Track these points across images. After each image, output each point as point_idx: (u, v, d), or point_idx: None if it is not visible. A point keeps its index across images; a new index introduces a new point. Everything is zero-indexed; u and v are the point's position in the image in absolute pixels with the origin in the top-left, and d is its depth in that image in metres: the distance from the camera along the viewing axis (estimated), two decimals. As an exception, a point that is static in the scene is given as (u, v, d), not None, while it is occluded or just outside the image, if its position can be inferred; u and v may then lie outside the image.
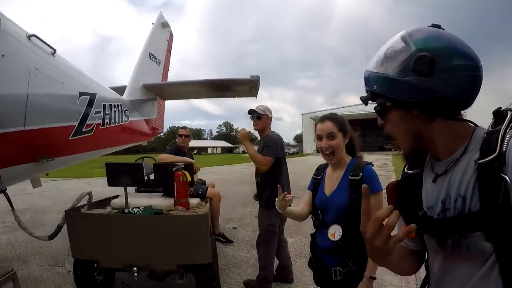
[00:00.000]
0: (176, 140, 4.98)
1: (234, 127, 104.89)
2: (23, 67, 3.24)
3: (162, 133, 9.49)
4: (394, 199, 1.14)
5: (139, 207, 3.34)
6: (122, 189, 3.56)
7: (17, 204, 8.17)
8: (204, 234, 2.98)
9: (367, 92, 1.04)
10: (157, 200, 3.78)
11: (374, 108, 1.04)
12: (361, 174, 1.82)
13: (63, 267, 4.60)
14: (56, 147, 3.93)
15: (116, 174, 3.47)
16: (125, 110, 6.13)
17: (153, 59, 7.99)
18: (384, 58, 0.96)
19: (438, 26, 0.97)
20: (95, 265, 3.01)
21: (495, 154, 0.83)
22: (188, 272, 3.05)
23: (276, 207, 1.97)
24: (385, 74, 0.95)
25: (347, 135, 1.96)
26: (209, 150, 62.26)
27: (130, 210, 3.23)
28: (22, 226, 3.28)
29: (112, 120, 5.49)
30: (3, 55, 2.91)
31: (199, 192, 4.10)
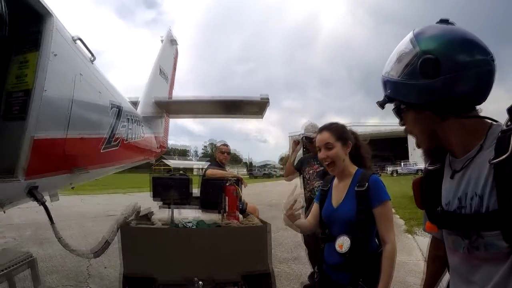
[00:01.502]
0: (216, 155, 4.82)
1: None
2: (71, 71, 3.08)
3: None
4: (418, 195, 1.16)
5: (189, 221, 3.15)
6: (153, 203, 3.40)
7: (13, 219, 7.64)
8: (269, 244, 2.86)
9: (384, 96, 1.07)
10: (197, 214, 3.59)
11: (392, 110, 1.08)
12: (366, 184, 1.75)
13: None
14: (90, 159, 3.71)
15: (163, 188, 3.28)
16: (142, 126, 5.93)
17: (162, 75, 7.89)
18: (396, 62, 0.99)
19: (446, 21, 0.98)
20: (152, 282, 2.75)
21: (506, 154, 0.83)
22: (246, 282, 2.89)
23: (283, 219, 1.81)
24: (396, 79, 0.98)
25: (348, 144, 1.88)
26: (195, 172, 60.89)
27: (184, 224, 3.02)
28: (62, 242, 2.98)
29: (133, 135, 5.28)
30: (55, 55, 2.74)
31: (240, 207, 3.93)
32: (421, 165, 1.20)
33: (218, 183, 3.44)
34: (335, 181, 1.95)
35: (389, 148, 58.44)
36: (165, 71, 8.05)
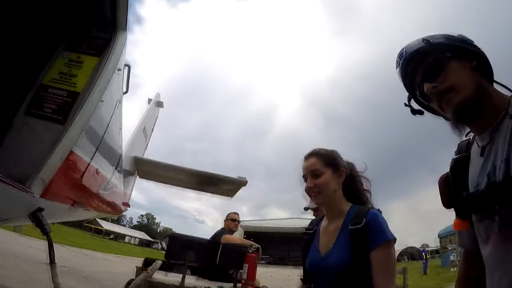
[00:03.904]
0: (226, 224, 4.42)
1: (156, 220, 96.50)
2: (116, 95, 2.80)
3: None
4: (445, 193, 1.11)
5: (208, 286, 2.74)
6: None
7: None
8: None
9: (415, 51, 1.05)
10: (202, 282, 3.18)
11: (428, 66, 1.04)
12: (364, 220, 1.36)
13: None
14: (91, 196, 3.16)
15: (180, 248, 2.95)
16: (123, 179, 5.38)
17: (144, 133, 7.59)
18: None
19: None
20: None
21: None
22: None
23: None
24: (448, 34, 1.05)
25: (341, 171, 1.53)
26: (127, 239, 54.45)
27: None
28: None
29: (119, 185, 4.73)
30: (119, 70, 2.52)
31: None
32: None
33: (239, 250, 3.23)
34: (323, 222, 1.57)
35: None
36: (147, 130, 7.79)
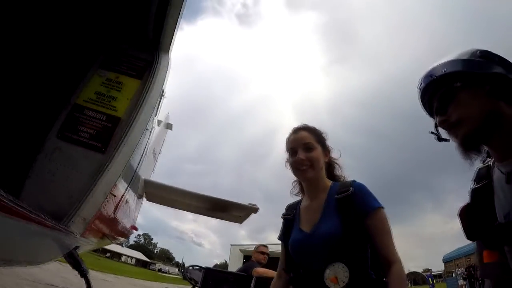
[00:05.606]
0: (255, 256, 4.19)
1: (153, 241, 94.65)
2: (152, 120, 2.63)
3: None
4: (467, 225, 1.04)
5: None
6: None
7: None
8: None
9: (427, 84, 1.02)
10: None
11: (440, 98, 1.00)
12: (351, 189, 1.32)
13: None
14: (116, 227, 2.93)
15: (214, 283, 2.75)
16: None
17: (154, 155, 7.39)
18: (450, 56, 1.01)
19: None
20: None
21: None
22: None
23: None
24: (458, 57, 0.99)
25: (327, 152, 1.51)
26: (123, 258, 53.23)
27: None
28: None
29: (134, 211, 4.50)
30: (163, 95, 2.38)
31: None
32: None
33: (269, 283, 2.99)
34: (304, 202, 1.50)
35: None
36: (156, 151, 7.61)
